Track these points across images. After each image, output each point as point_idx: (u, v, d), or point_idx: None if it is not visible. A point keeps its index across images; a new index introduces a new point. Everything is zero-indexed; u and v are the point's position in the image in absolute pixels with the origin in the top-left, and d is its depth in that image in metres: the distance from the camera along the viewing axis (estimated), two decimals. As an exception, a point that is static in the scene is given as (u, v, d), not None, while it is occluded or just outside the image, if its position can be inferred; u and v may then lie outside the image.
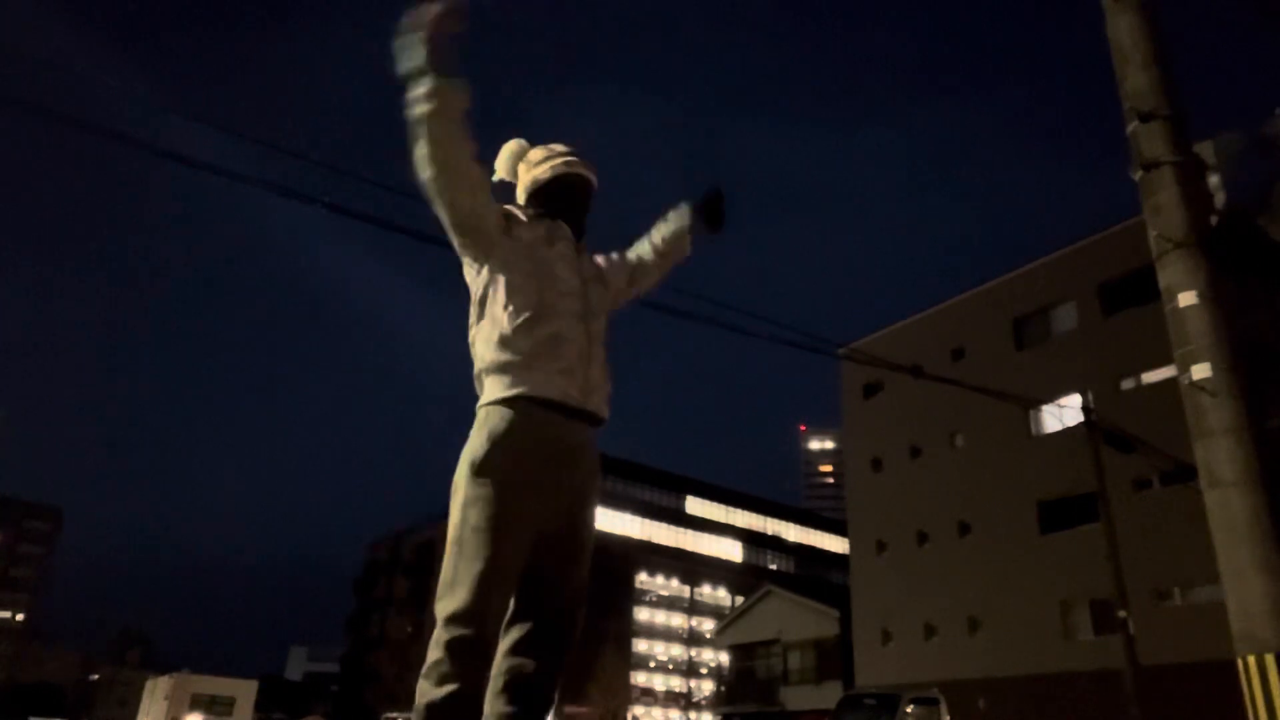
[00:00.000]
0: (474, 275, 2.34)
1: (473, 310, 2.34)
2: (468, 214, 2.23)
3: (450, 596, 2.07)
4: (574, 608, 2.24)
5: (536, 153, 2.52)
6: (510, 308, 2.23)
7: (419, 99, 2.06)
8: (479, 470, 2.13)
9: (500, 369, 2.20)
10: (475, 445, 2.17)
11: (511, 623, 2.19)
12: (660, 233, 2.71)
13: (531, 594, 2.20)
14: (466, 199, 2.20)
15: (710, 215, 2.70)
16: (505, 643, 2.18)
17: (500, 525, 2.08)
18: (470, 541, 2.08)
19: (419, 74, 2.07)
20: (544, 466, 2.16)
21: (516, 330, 2.20)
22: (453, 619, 2.05)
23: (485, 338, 2.25)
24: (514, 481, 2.12)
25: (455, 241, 2.31)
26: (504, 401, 2.17)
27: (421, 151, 2.10)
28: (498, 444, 2.14)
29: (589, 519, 2.31)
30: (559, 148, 2.51)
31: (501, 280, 2.27)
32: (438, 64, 2.07)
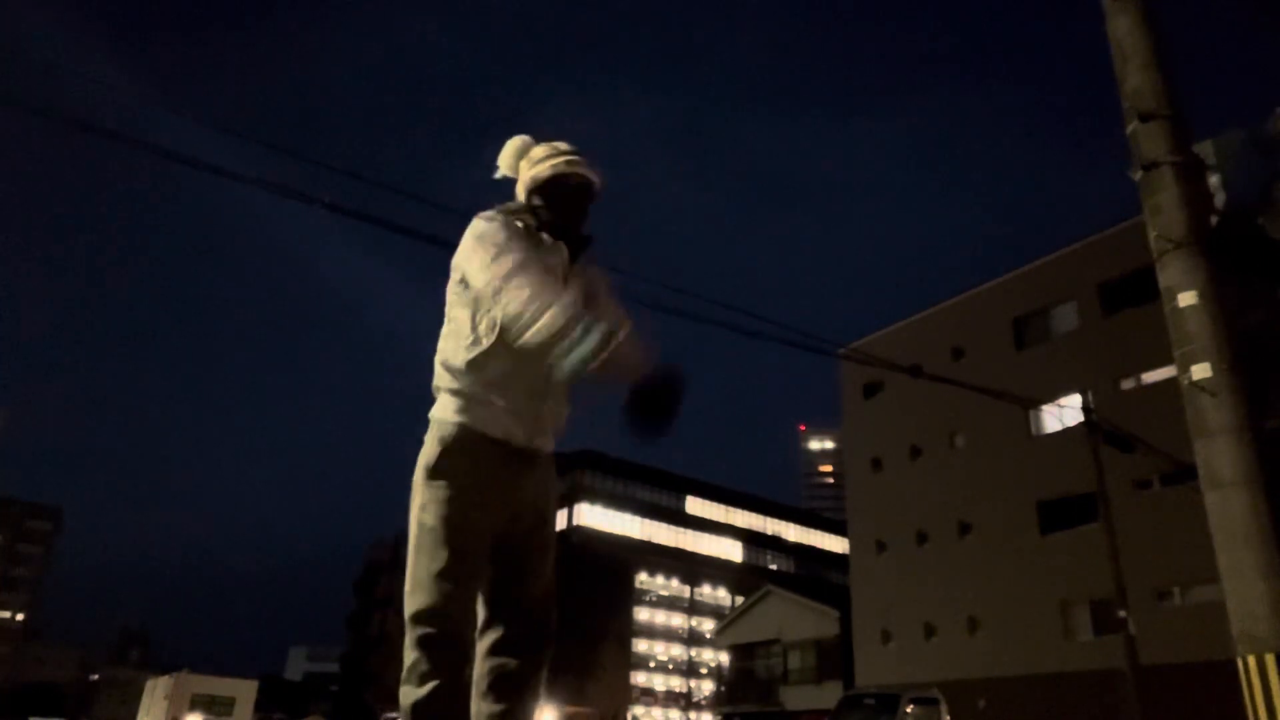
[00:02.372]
0: (456, 292, 2.31)
1: (446, 321, 2.33)
2: None
3: (415, 597, 2.12)
4: (544, 607, 2.28)
5: (539, 150, 2.47)
6: (473, 336, 2.22)
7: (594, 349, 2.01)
8: (432, 474, 2.18)
9: (453, 393, 2.24)
10: (429, 451, 2.22)
11: (486, 627, 2.24)
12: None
13: (500, 597, 2.25)
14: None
15: (645, 413, 2.11)
16: (483, 646, 2.23)
17: (455, 524, 2.13)
18: (428, 542, 2.14)
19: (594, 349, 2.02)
20: (495, 472, 2.21)
21: (473, 361, 2.21)
22: (419, 617, 2.10)
23: (446, 357, 2.27)
24: (467, 483, 2.17)
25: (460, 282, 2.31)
26: (452, 424, 2.22)
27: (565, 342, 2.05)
28: (449, 450, 2.19)
29: (548, 519, 2.35)
30: (563, 146, 2.46)
31: (475, 305, 2.25)
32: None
